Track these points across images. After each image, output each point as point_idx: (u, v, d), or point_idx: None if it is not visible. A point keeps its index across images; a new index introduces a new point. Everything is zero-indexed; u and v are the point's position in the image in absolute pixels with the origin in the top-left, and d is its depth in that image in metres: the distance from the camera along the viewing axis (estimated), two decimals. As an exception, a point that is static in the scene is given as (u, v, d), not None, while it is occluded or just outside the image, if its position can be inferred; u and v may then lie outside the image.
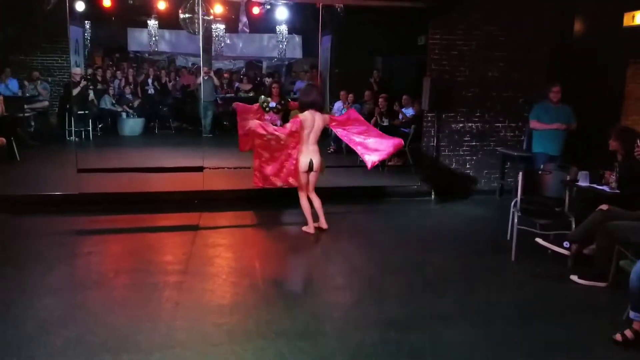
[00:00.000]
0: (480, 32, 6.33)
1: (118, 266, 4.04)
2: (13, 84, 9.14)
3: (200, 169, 5.99)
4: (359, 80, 9.89)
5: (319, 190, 4.93)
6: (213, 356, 2.75)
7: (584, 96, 5.84)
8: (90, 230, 4.84)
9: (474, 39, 6.33)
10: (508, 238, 4.56)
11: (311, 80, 10.20)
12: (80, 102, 9.38)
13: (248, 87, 11.54)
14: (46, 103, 9.76)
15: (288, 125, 4.64)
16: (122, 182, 5.93)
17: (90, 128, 9.51)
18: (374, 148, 4.83)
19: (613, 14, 5.81)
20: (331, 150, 8.57)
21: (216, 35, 10.83)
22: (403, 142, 5.15)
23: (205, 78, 10.17)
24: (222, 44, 11.13)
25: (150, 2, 9.43)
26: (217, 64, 12.83)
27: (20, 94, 9.21)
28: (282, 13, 9.93)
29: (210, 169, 6.09)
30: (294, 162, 4.64)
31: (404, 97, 7.77)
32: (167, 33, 11.57)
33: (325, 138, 7.62)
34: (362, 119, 5.22)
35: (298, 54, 12.41)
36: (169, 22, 10.25)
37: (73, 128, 9.10)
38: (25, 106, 8.96)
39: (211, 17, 9.73)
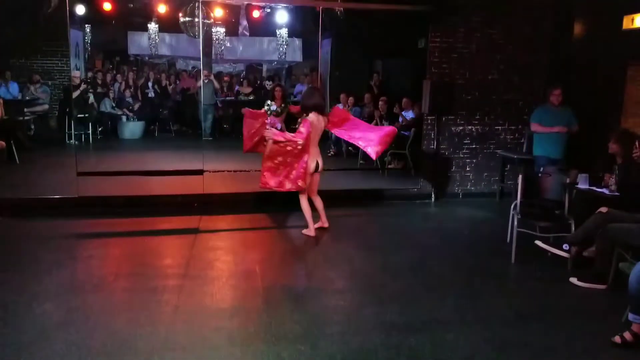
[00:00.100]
0: (480, 35, 6.34)
1: (118, 270, 4.03)
2: (13, 87, 9.15)
3: (200, 172, 5.99)
4: (359, 83, 9.92)
5: (319, 193, 4.96)
6: (213, 360, 2.75)
7: (584, 99, 5.85)
8: (89, 234, 4.84)
9: (474, 42, 6.34)
10: (508, 241, 4.56)
11: (311, 83, 10.21)
12: (80, 105, 9.39)
13: (248, 90, 11.55)
14: (46, 106, 9.78)
15: (303, 129, 4.58)
16: (122, 185, 5.93)
17: (90, 131, 9.51)
18: (374, 139, 4.88)
19: (612, 16, 5.82)
20: (331, 153, 8.58)
21: (216, 39, 10.86)
22: (395, 129, 5.23)
23: (206, 81, 10.19)
24: (222, 47, 11.16)
25: (151, 5, 9.47)
26: (217, 67, 12.87)
27: (20, 97, 9.22)
28: (282, 16, 9.97)
29: (210, 172, 6.09)
30: (304, 165, 4.66)
31: (404, 100, 7.78)
32: (167, 36, 11.60)
33: (326, 140, 7.63)
34: (350, 115, 5.40)
35: (298, 57, 12.44)
36: (169, 25, 10.29)
37: (73, 131, 9.11)
38: (25, 109, 8.97)
39: (211, 20, 9.77)
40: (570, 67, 6.39)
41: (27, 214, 5.30)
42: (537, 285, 3.88)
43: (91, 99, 9.79)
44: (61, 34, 8.15)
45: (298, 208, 4.90)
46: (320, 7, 6.63)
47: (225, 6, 9.29)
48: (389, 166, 7.52)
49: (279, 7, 9.46)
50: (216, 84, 11.00)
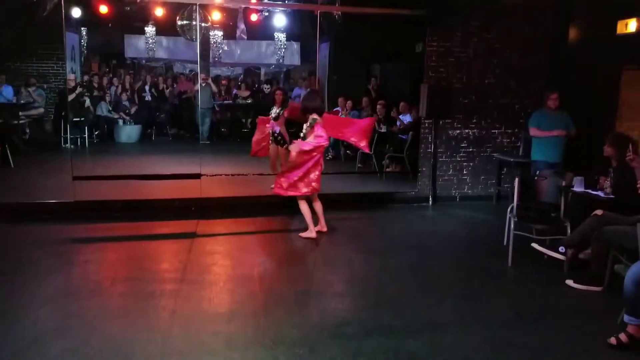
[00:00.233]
0: (477, 39, 6.38)
1: (114, 274, 4.02)
2: (8, 91, 9.10)
3: (197, 176, 5.98)
4: (356, 87, 9.94)
5: (319, 197, 4.96)
6: (210, 365, 2.74)
7: (579, 103, 5.89)
8: (85, 238, 4.81)
9: (470, 46, 6.38)
10: (505, 243, 4.58)
11: (309, 87, 10.22)
12: (76, 109, 9.35)
13: (246, 93, 11.55)
14: (41, 110, 9.72)
15: (321, 132, 4.59)
16: (119, 190, 5.91)
17: (86, 135, 9.47)
18: (361, 133, 4.95)
19: (607, 21, 5.87)
20: (330, 156, 8.59)
21: (214, 42, 10.87)
22: (373, 119, 5.52)
23: (203, 85, 10.18)
24: (220, 51, 11.17)
25: (148, 8, 9.46)
26: (215, 71, 12.86)
27: (15, 100, 9.17)
28: (280, 20, 9.99)
29: (207, 176, 6.08)
30: (320, 168, 4.70)
31: (401, 104, 7.80)
32: (164, 39, 11.58)
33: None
34: (335, 115, 5.57)
35: (296, 60, 12.46)
36: (166, 28, 10.28)
37: (69, 135, 9.07)
38: (20, 113, 8.92)
39: (209, 23, 9.77)
40: (566, 71, 6.44)
41: (22, 218, 5.27)
42: (534, 287, 3.90)
43: (87, 102, 9.76)
44: (57, 36, 8.10)
45: (295, 212, 4.90)
46: (318, 11, 6.65)
47: (223, 9, 9.29)
48: (387, 169, 7.54)
49: (276, 10, 9.48)
50: (214, 88, 10.99)
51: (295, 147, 4.65)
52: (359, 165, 7.95)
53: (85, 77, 10.84)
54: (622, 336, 2.94)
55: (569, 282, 3.85)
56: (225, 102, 11.29)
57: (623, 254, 3.59)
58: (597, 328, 3.17)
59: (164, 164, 7.58)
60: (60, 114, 9.42)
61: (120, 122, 10.27)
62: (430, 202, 6.47)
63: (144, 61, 12.25)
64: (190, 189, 5.91)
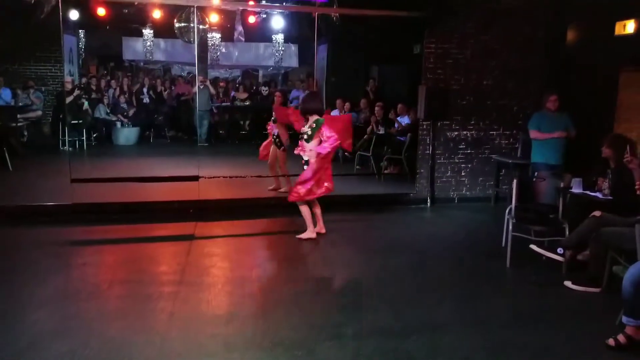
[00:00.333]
0: (474, 41, 6.39)
1: (112, 277, 4.01)
2: (6, 93, 9.09)
3: (195, 178, 5.97)
4: (355, 88, 9.96)
5: (317, 199, 4.95)
6: (209, 367, 2.73)
7: (578, 104, 5.90)
8: (84, 241, 4.80)
9: (468, 47, 6.39)
10: (503, 245, 4.58)
11: (307, 89, 10.24)
12: (74, 111, 9.34)
13: (244, 96, 11.56)
14: (39, 112, 9.72)
15: (331, 133, 4.62)
16: (117, 192, 5.90)
17: (84, 137, 9.46)
18: (342, 132, 4.93)
19: (605, 23, 5.89)
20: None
21: (212, 44, 10.88)
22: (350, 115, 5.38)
23: (201, 87, 10.18)
24: (218, 53, 11.17)
25: (145, 11, 9.47)
26: (213, 73, 12.87)
27: (13, 103, 9.16)
28: (278, 22, 10.01)
29: (205, 178, 6.07)
30: (330, 166, 4.75)
31: (399, 105, 7.82)
32: (162, 42, 11.60)
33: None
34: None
35: (294, 62, 12.48)
36: (164, 30, 10.29)
37: (67, 138, 9.06)
38: (18, 116, 8.91)
39: (206, 26, 9.78)
40: (564, 73, 6.46)
41: (20, 221, 5.26)
42: (532, 289, 3.90)
43: (86, 105, 9.75)
44: (55, 39, 8.12)
45: (293, 213, 4.90)
46: (316, 13, 6.67)
47: (221, 12, 9.31)
48: (385, 171, 7.55)
49: (274, 12, 9.50)
50: (212, 90, 11.00)
51: (312, 154, 4.62)
52: (357, 167, 7.95)
53: (83, 80, 10.83)
54: (621, 337, 2.94)
55: (568, 283, 3.85)
56: (223, 104, 11.30)
57: (621, 255, 3.60)
58: (595, 329, 3.17)
59: (162, 166, 7.57)
60: (58, 117, 9.41)
61: (119, 124, 10.27)
62: (429, 204, 6.47)
63: (142, 63, 12.26)
64: (189, 191, 5.90)
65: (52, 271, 4.00)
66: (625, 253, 3.54)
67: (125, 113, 10.40)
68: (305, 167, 4.75)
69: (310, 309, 3.50)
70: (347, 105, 8.99)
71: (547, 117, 5.44)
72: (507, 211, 4.49)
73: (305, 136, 4.69)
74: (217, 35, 10.77)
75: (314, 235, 4.86)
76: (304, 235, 4.85)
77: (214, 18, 9.55)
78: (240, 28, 9.71)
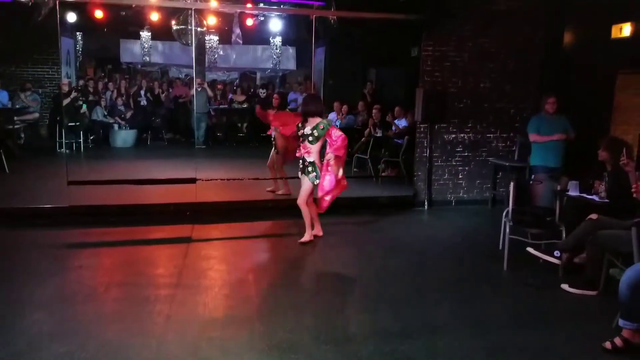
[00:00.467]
0: (472, 44, 6.41)
1: (109, 279, 3.99)
2: (3, 96, 9.07)
3: (193, 180, 5.96)
4: (352, 91, 9.97)
5: (314, 201, 4.96)
6: (205, 371, 2.73)
7: (575, 107, 5.92)
8: (80, 243, 4.79)
9: (466, 50, 6.41)
10: (500, 247, 4.59)
11: (305, 91, 10.25)
12: (71, 113, 9.32)
13: (242, 98, 11.56)
14: (36, 115, 9.70)
15: (339, 132, 4.68)
16: (114, 194, 5.88)
17: (81, 140, 9.44)
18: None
19: (601, 26, 5.93)
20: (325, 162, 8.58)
21: (209, 47, 10.88)
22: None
23: (199, 89, 10.18)
24: (216, 55, 11.18)
25: (143, 13, 9.47)
26: (210, 75, 12.88)
27: (9, 105, 9.14)
28: (275, 25, 10.03)
29: (203, 180, 6.07)
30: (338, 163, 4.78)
31: (396, 108, 7.83)
32: (159, 44, 11.60)
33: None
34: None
35: (292, 65, 12.50)
36: (162, 33, 10.29)
37: (64, 140, 9.04)
38: (15, 118, 8.89)
39: (204, 28, 9.79)
40: (560, 76, 6.48)
41: (17, 223, 5.24)
42: (529, 291, 3.91)
43: (84, 108, 9.73)
44: (52, 41, 8.10)
45: (289, 216, 4.89)
46: (314, 16, 6.68)
47: (219, 14, 9.32)
48: (383, 174, 7.55)
49: (272, 15, 9.52)
50: (209, 92, 11.00)
51: (331, 156, 4.63)
52: (355, 169, 7.95)
53: (81, 82, 10.81)
54: (617, 340, 2.94)
55: (564, 286, 3.86)
56: (221, 106, 11.30)
57: (618, 258, 3.61)
58: (592, 332, 3.17)
59: (160, 168, 7.55)
60: (56, 119, 9.39)
61: (116, 126, 10.25)
62: (426, 207, 6.48)
63: (139, 66, 12.27)
64: (186, 193, 5.89)
65: (49, 273, 3.98)
66: (622, 256, 3.55)
67: (122, 115, 10.38)
68: (309, 168, 4.71)
69: (307, 311, 3.49)
70: (345, 107, 9.00)
71: (545, 120, 5.45)
72: (504, 214, 4.50)
73: (311, 138, 4.67)
74: (215, 38, 10.79)
75: (311, 238, 4.86)
76: (304, 239, 4.84)
77: (211, 20, 9.56)
78: (238, 30, 9.72)
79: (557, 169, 5.35)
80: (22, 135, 9.31)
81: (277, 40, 11.22)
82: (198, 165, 6.32)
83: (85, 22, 9.64)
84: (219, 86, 11.83)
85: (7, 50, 9.38)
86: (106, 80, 11.48)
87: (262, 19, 9.71)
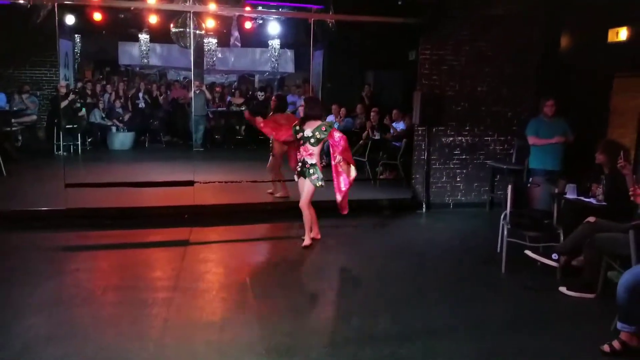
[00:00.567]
0: (469, 47, 6.44)
1: (106, 283, 3.98)
2: (0, 98, 9.05)
3: (191, 183, 5.95)
4: (350, 94, 9.99)
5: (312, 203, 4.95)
6: (203, 374, 2.72)
7: (572, 110, 5.94)
8: (77, 246, 4.77)
9: (463, 54, 6.44)
10: (498, 250, 4.59)
11: (303, 94, 10.26)
12: (69, 115, 9.31)
13: (240, 101, 11.57)
14: (34, 117, 9.67)
15: (340, 133, 4.76)
16: (111, 197, 5.87)
17: (79, 142, 9.42)
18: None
19: (598, 30, 5.96)
20: (324, 163, 8.58)
21: (208, 49, 10.89)
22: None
23: (197, 92, 10.18)
24: (214, 58, 11.19)
25: (142, 15, 9.47)
26: (209, 78, 12.88)
27: (7, 107, 9.12)
28: (274, 28, 10.05)
29: (201, 183, 6.06)
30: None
31: (394, 111, 7.85)
32: (158, 47, 11.60)
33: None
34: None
35: (290, 68, 12.51)
36: (160, 35, 10.29)
37: (61, 142, 9.01)
38: (13, 120, 8.87)
39: (203, 31, 9.79)
40: (557, 79, 6.51)
41: (14, 226, 5.22)
42: (527, 294, 3.91)
43: (83, 111, 9.72)
44: (50, 43, 8.09)
45: (287, 219, 4.88)
46: (312, 19, 6.69)
47: (217, 17, 9.33)
48: (381, 177, 7.56)
49: (270, 18, 9.53)
50: (208, 95, 11.00)
51: (340, 159, 4.69)
52: (353, 172, 7.94)
53: (79, 84, 10.80)
54: (615, 343, 2.95)
55: (562, 289, 3.86)
56: (219, 109, 11.30)
57: (616, 260, 3.62)
58: (590, 335, 3.17)
59: (157, 171, 7.54)
60: (53, 121, 9.37)
61: (114, 129, 10.23)
62: (424, 209, 6.48)
63: (137, 68, 12.25)
64: (184, 196, 5.88)
65: (46, 276, 3.96)
66: (620, 259, 3.56)
67: (120, 118, 10.37)
68: (310, 171, 4.70)
69: (305, 314, 3.49)
70: (343, 110, 9.01)
71: (544, 123, 5.44)
72: (502, 217, 4.50)
73: (312, 140, 4.66)
74: (214, 41, 10.80)
75: (311, 242, 4.86)
76: (307, 243, 4.83)
77: (210, 23, 9.57)
78: (236, 33, 9.74)
79: (556, 171, 5.35)
80: (20, 138, 9.28)
81: (276, 43, 11.24)
82: (196, 167, 6.31)
83: (84, 24, 9.62)
84: (218, 89, 11.83)
85: (5, 52, 9.36)
86: (104, 82, 11.47)
87: (260, 22, 9.72)
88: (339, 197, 4.79)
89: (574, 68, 6.34)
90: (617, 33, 5.73)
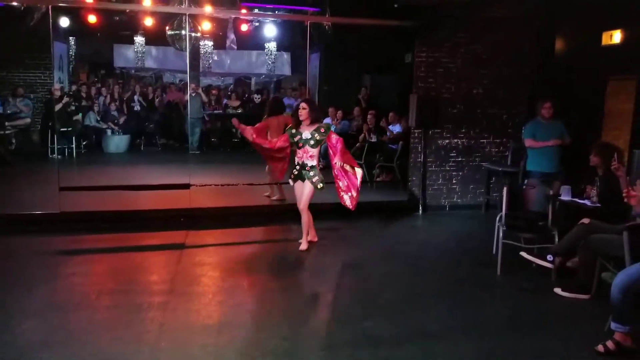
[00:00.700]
0: (465, 50, 6.47)
1: (101, 287, 3.95)
2: (-6, 101, 9.01)
3: (186, 186, 5.94)
4: (347, 97, 10.00)
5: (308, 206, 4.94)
6: (199, 378, 2.70)
7: (566, 113, 5.98)
8: (72, 250, 4.74)
9: (459, 57, 6.46)
10: (494, 252, 4.60)
11: (300, 97, 10.27)
12: (63, 118, 9.26)
13: (236, 103, 11.56)
14: (28, 120, 9.61)
15: (335, 135, 4.80)
16: (106, 201, 5.85)
17: (74, 145, 9.37)
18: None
19: (592, 33, 6.01)
20: (322, 165, 8.57)
21: (204, 52, 10.88)
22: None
23: (193, 94, 10.17)
24: (210, 61, 11.18)
25: (137, 18, 9.45)
26: (205, 81, 12.86)
27: (1, 110, 9.06)
28: (270, 30, 10.05)
29: (197, 186, 6.04)
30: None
31: (391, 114, 7.87)
32: (153, 49, 11.57)
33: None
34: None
35: (287, 70, 12.52)
36: (155, 38, 10.27)
37: (56, 145, 8.96)
38: (7, 123, 8.82)
39: (199, 33, 9.78)
40: (552, 81, 6.55)
41: (7, 229, 5.17)
42: (523, 296, 3.92)
43: (79, 116, 9.67)
44: (45, 46, 8.06)
45: (284, 222, 4.86)
46: (309, 22, 6.71)
47: (213, 19, 9.33)
48: (377, 179, 7.57)
49: (267, 21, 9.54)
50: (204, 97, 10.98)
51: (340, 162, 4.71)
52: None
53: (73, 87, 10.75)
54: (609, 343, 2.96)
55: (557, 290, 3.88)
56: (216, 111, 11.28)
57: (610, 261, 3.64)
58: (585, 335, 3.19)
59: (153, 174, 7.51)
60: (48, 124, 9.32)
61: (109, 132, 10.19)
62: (420, 211, 6.50)
63: (133, 71, 12.22)
64: (180, 199, 5.86)
65: (41, 281, 3.94)
66: (614, 260, 3.58)
67: (115, 120, 10.33)
68: (310, 173, 4.70)
69: (301, 317, 3.48)
70: (340, 113, 9.03)
71: (541, 125, 5.43)
72: (497, 219, 4.52)
73: (312, 142, 4.66)
74: (210, 43, 10.78)
75: (308, 245, 4.86)
76: (304, 247, 4.83)
77: (206, 26, 9.56)
78: (232, 36, 9.73)
79: (553, 174, 5.33)
80: (14, 141, 9.23)
81: (272, 45, 11.24)
82: (192, 170, 6.30)
83: (79, 26, 9.59)
84: (214, 91, 11.81)
85: (-1, 55, 9.32)
86: (99, 85, 11.42)
87: (256, 24, 9.72)
88: (354, 193, 4.79)
89: (569, 71, 6.39)
90: (611, 36, 5.78)
